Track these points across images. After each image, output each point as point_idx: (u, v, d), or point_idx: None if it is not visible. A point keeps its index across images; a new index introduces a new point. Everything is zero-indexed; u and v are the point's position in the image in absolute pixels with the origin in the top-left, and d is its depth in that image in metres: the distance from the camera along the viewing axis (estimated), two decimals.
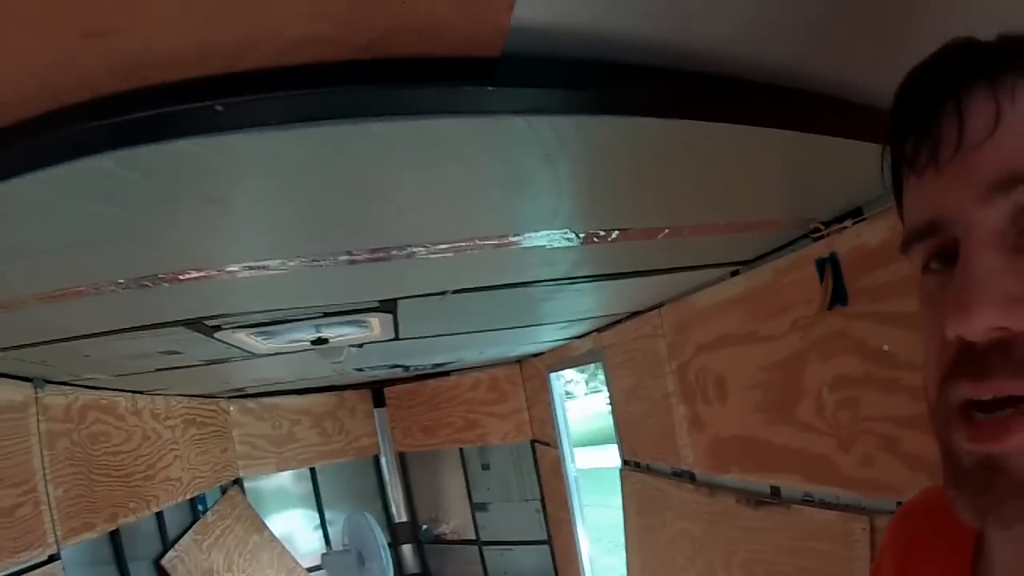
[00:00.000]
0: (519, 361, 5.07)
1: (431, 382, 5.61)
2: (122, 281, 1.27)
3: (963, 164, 0.45)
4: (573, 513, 4.44)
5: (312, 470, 5.61)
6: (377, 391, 5.91)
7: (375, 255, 1.24)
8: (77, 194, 0.82)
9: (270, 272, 1.28)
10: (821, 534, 1.68)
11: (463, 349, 3.58)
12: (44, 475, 2.48)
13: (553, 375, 4.47)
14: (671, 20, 0.69)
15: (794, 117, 0.87)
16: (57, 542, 2.48)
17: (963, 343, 0.44)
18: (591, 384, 18.96)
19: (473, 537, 5.69)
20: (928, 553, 0.67)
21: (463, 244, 1.24)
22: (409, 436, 5.89)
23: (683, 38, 0.72)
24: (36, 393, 2.50)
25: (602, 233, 1.29)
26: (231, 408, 4.90)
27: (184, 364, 2.57)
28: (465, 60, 0.65)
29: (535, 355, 4.65)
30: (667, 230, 1.35)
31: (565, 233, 1.26)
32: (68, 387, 2.77)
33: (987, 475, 0.44)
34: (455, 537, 5.89)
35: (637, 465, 3.14)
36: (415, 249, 1.23)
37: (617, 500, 3.34)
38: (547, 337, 3.52)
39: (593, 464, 6.46)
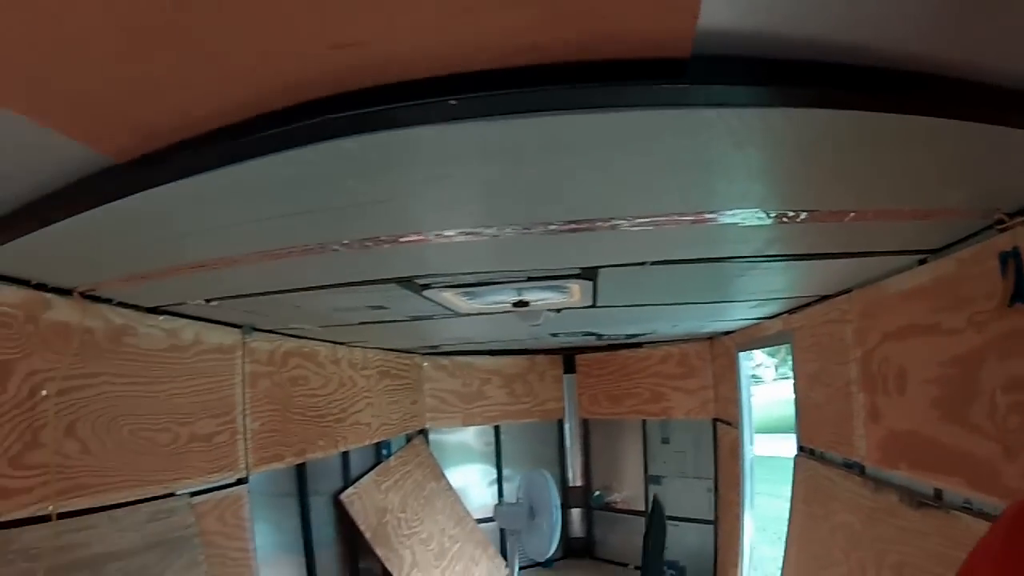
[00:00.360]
0: (710, 338, 4.98)
1: (622, 352, 5.59)
2: (347, 242, 1.45)
3: None
4: (743, 496, 4.30)
5: (496, 428, 5.73)
6: (568, 358, 5.95)
7: (581, 225, 1.33)
8: (321, 168, 1.02)
9: (483, 238, 1.41)
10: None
11: (656, 321, 3.59)
12: (243, 409, 2.72)
13: (742, 354, 4.36)
14: (847, 20, 0.73)
15: (970, 109, 0.87)
16: (247, 468, 2.71)
17: None
18: (780, 370, 17.78)
19: (642, 508, 5.59)
20: None
21: (662, 218, 1.32)
22: (595, 404, 5.89)
23: (855, 36, 0.76)
24: (244, 339, 2.74)
25: (791, 214, 1.32)
26: (425, 364, 5.13)
27: (389, 319, 2.72)
28: (661, 61, 0.73)
29: (726, 333, 4.56)
30: (853, 213, 1.36)
31: (756, 212, 1.31)
32: (274, 335, 3.01)
33: None
34: (624, 506, 5.86)
35: (812, 452, 3.05)
36: (618, 222, 1.32)
37: (788, 492, 3.25)
38: (738, 315, 3.48)
39: (772, 452, 6.07)
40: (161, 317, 2.26)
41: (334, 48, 0.70)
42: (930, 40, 0.76)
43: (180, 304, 2.20)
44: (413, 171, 1.06)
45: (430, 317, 2.72)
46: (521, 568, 5.29)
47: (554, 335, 4.11)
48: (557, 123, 0.86)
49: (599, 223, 1.32)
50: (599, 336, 4.44)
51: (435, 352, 5.13)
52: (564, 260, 1.76)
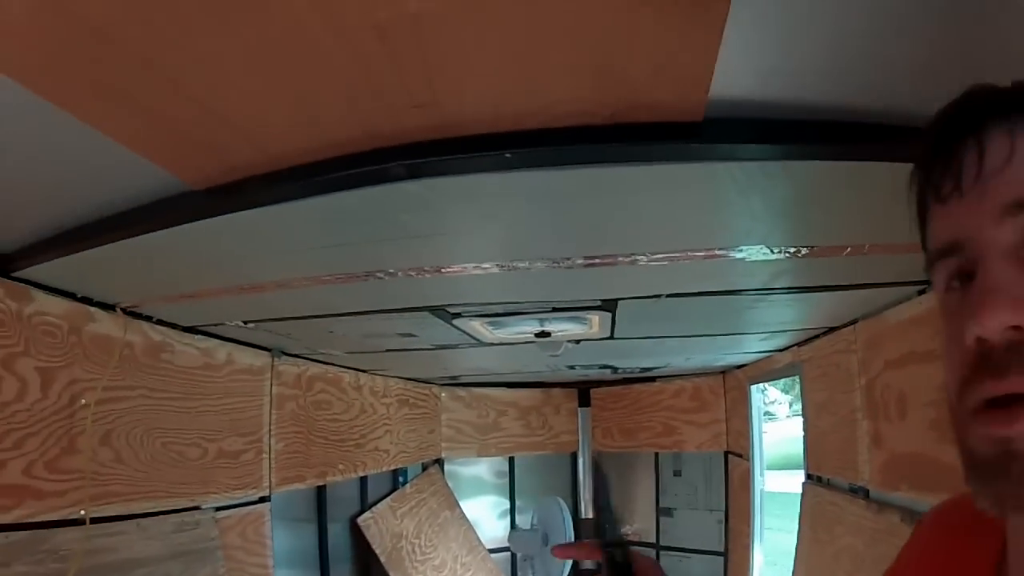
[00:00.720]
0: (722, 372, 4.93)
1: (636, 387, 5.52)
2: (392, 271, 1.54)
3: (982, 191, 0.48)
4: (753, 528, 4.23)
5: (511, 459, 5.68)
6: (583, 391, 5.87)
7: (605, 260, 1.44)
8: (381, 205, 1.13)
9: (515, 271, 1.51)
10: None
11: (670, 354, 3.64)
12: (269, 430, 2.74)
13: (754, 387, 4.32)
14: (829, 86, 0.85)
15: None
16: (270, 487, 2.73)
17: (982, 347, 0.47)
18: (794, 407, 17.40)
19: (653, 540, 5.50)
20: (953, 554, 0.67)
21: (677, 254, 1.41)
22: (608, 437, 5.80)
23: (837, 98, 0.87)
24: (273, 361, 2.78)
25: (792, 249, 1.41)
26: (442, 394, 5.13)
27: (415, 347, 2.77)
28: (679, 124, 0.85)
29: (738, 367, 4.53)
30: (849, 248, 1.43)
31: (761, 248, 1.40)
32: (301, 359, 3.04)
33: (1003, 461, 0.46)
34: (636, 538, 5.66)
35: (819, 480, 3.06)
36: (638, 257, 1.42)
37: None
38: (750, 348, 3.51)
39: (784, 488, 5.93)
40: (197, 336, 2.31)
41: (415, 107, 0.82)
42: (893, 96, 0.87)
43: (217, 324, 2.24)
44: (465, 211, 1.19)
45: (455, 346, 2.76)
46: None
47: (571, 367, 4.14)
48: (593, 174, 1.00)
49: (620, 258, 1.42)
50: (615, 369, 4.45)
51: (454, 383, 5.13)
52: (586, 292, 1.83)
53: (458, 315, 2.05)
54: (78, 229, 1.31)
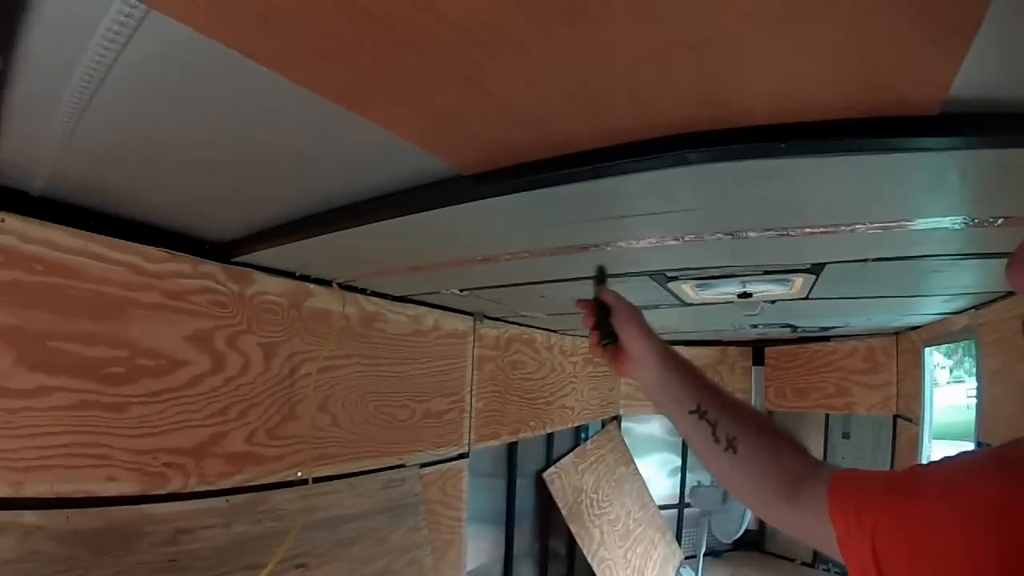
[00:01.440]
0: (896, 333, 4.49)
1: (811, 346, 5.09)
2: (623, 243, 1.49)
3: None
4: None
5: None
6: (758, 350, 5.48)
7: (827, 229, 1.37)
8: (672, 186, 1.08)
9: (742, 239, 1.44)
10: None
11: (853, 314, 3.37)
12: (471, 390, 2.63)
13: (927, 350, 3.93)
14: None
15: None
16: (469, 444, 2.62)
17: None
18: (955, 373, 15.27)
19: None
20: None
21: (891, 224, 1.35)
22: (781, 396, 5.38)
23: None
24: (476, 325, 2.66)
25: (990, 219, 1.34)
26: None
27: None
28: (917, 118, 0.83)
29: (912, 328, 4.10)
30: None
31: (962, 219, 1.34)
32: (500, 322, 2.90)
33: None
34: None
35: (990, 447, 2.49)
36: (858, 226, 1.36)
37: None
38: (927, 309, 3.21)
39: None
40: (408, 304, 2.20)
41: (704, 103, 0.81)
42: None
43: (432, 293, 2.17)
44: (730, 190, 1.14)
45: (657, 306, 2.58)
46: (687, 558, 4.90)
47: (754, 326, 3.83)
48: (839, 160, 0.97)
49: (842, 227, 1.37)
50: (794, 328, 4.07)
51: None
52: (799, 257, 1.76)
53: (674, 279, 1.96)
54: (312, 217, 1.25)
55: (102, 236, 1.25)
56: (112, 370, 1.26)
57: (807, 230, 1.38)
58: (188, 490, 1.41)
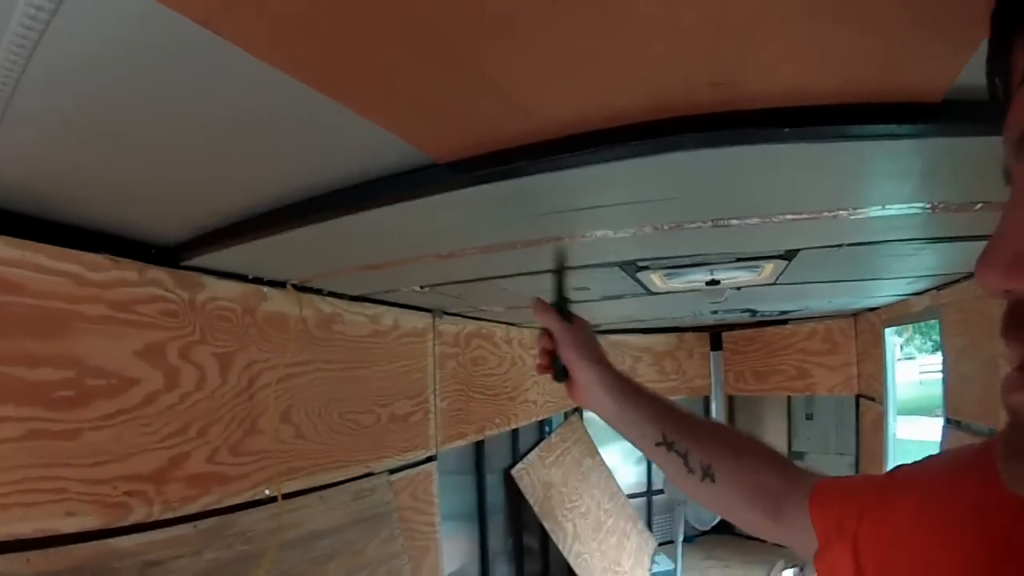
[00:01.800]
0: (854, 315, 4.61)
1: (769, 329, 5.17)
2: (600, 233, 1.43)
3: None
4: (886, 470, 3.69)
5: None
6: (715, 335, 5.55)
7: (812, 215, 1.35)
8: (659, 172, 1.02)
9: (727, 227, 1.40)
10: None
11: (813, 297, 3.43)
12: (434, 389, 2.57)
13: (888, 331, 4.04)
14: None
15: None
16: (436, 446, 2.56)
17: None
18: (905, 350, 15.95)
19: None
20: None
21: (872, 208, 1.33)
22: (741, 380, 5.45)
23: None
24: (435, 322, 2.60)
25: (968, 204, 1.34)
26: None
27: (583, 300, 2.60)
28: (919, 105, 0.81)
29: (871, 309, 4.23)
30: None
31: (924, 205, 1.35)
32: (459, 318, 2.85)
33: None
34: None
35: (958, 424, 2.87)
36: (841, 212, 1.33)
37: None
38: (888, 292, 3.29)
39: (910, 436, 5.40)
40: (365, 304, 2.12)
41: (711, 85, 0.76)
42: None
43: (390, 292, 2.09)
44: (717, 177, 1.09)
45: (620, 296, 2.56)
46: (661, 544, 4.97)
47: (714, 312, 3.85)
48: (836, 147, 0.94)
49: (825, 213, 1.34)
50: (754, 313, 4.14)
51: (596, 331, 4.74)
52: (774, 244, 1.74)
53: (645, 268, 1.92)
54: (266, 215, 1.16)
55: (40, 244, 1.13)
56: (60, 393, 1.15)
57: (789, 216, 1.35)
58: (153, 519, 1.31)
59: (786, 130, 0.84)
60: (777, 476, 0.86)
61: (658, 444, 0.92)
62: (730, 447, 0.92)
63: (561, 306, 1.03)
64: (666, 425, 0.93)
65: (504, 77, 0.73)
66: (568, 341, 0.98)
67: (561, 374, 0.99)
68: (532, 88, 0.76)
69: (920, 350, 15.23)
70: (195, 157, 0.93)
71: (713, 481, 0.88)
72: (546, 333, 1.01)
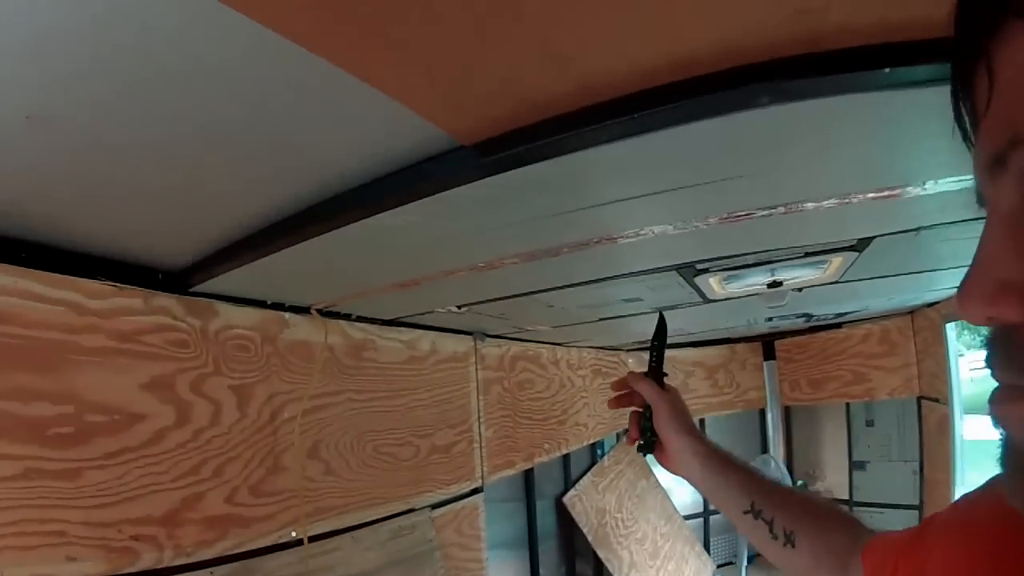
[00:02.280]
0: (911, 312, 4.36)
1: (821, 335, 4.95)
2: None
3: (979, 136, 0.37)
4: (955, 474, 3.70)
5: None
6: (767, 344, 5.31)
7: (891, 193, 1.14)
8: (726, 139, 0.84)
9: (790, 215, 1.22)
10: None
11: (877, 295, 3.19)
12: (478, 417, 2.45)
13: (949, 325, 3.81)
14: None
15: None
16: (483, 477, 2.44)
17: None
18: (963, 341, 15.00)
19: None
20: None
21: (964, 178, 1.12)
22: (796, 389, 5.22)
23: None
24: (476, 345, 2.48)
25: None
26: (630, 360, 4.63)
27: (632, 312, 2.45)
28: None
29: (929, 305, 3.98)
30: None
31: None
32: (502, 340, 2.73)
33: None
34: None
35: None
36: (928, 183, 1.12)
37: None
38: (948, 283, 3.00)
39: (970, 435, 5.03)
40: (400, 329, 2.00)
41: (798, 12, 0.57)
42: None
43: (426, 313, 1.95)
44: (790, 148, 0.90)
45: (675, 306, 2.40)
46: (719, 566, 4.72)
47: (768, 319, 3.68)
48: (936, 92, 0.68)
49: (910, 188, 1.13)
50: (810, 317, 3.93)
51: (642, 347, 4.58)
52: (843, 232, 1.55)
53: (704, 271, 1.78)
54: (278, 224, 1.04)
55: (36, 271, 1.04)
56: (58, 430, 1.05)
57: (871, 195, 1.17)
58: (163, 565, 1.20)
59: (887, 71, 0.65)
60: (844, 534, 0.91)
61: (746, 512, 0.98)
62: (811, 513, 0.97)
63: (656, 376, 1.09)
64: (753, 492, 0.99)
65: (542, 18, 0.57)
66: (664, 411, 1.08)
67: (650, 445, 1.07)
68: (576, 33, 0.60)
69: (968, 346, 14.17)
70: (198, 162, 0.83)
71: (794, 547, 0.93)
72: (632, 402, 1.13)
